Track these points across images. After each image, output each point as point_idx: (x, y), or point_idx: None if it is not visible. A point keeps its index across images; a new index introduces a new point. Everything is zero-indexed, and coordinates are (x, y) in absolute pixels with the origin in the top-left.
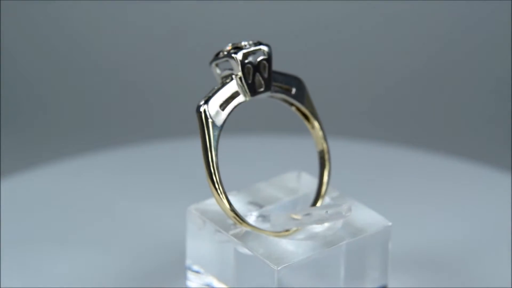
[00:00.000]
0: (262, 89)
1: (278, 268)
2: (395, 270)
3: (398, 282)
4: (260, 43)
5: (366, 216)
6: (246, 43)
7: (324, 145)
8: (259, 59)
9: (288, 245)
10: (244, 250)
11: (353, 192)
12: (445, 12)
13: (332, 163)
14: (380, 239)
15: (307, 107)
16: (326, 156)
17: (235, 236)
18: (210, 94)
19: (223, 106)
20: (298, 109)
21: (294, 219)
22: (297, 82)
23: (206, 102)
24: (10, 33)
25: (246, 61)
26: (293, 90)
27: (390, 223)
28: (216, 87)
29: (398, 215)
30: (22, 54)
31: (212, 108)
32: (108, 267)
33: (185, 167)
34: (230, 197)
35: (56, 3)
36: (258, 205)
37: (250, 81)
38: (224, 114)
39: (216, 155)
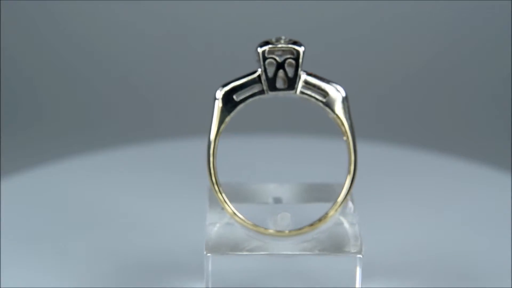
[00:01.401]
0: (284, 88)
1: (208, 254)
2: (393, 270)
3: (395, 283)
4: (294, 42)
5: (340, 237)
6: (283, 39)
7: (352, 158)
8: (285, 57)
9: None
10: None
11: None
12: (446, 12)
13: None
14: (339, 266)
15: (339, 117)
16: (350, 169)
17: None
18: (230, 81)
19: (238, 94)
20: (332, 116)
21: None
22: (333, 90)
23: (223, 87)
24: (10, 33)
25: (270, 56)
26: (327, 97)
27: (359, 255)
28: (240, 76)
29: (397, 215)
30: (22, 54)
31: (226, 94)
32: (109, 267)
33: (186, 166)
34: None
35: (56, 3)
36: (279, 203)
37: (270, 77)
38: (237, 103)
39: (216, 139)
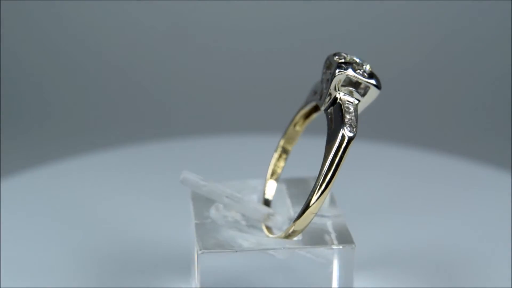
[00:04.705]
0: (317, 100)
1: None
2: (391, 269)
3: (395, 282)
4: (342, 63)
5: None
6: (352, 58)
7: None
8: (325, 75)
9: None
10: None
11: (350, 191)
12: (447, 12)
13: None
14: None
15: (324, 155)
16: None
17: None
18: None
19: (316, 90)
20: None
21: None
22: (339, 128)
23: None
24: (12, 33)
25: (327, 66)
26: (331, 129)
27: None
28: None
29: (396, 215)
30: (24, 53)
31: (315, 87)
32: (109, 265)
33: (186, 166)
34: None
35: (61, 3)
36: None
37: (318, 85)
38: (313, 97)
39: (293, 124)
